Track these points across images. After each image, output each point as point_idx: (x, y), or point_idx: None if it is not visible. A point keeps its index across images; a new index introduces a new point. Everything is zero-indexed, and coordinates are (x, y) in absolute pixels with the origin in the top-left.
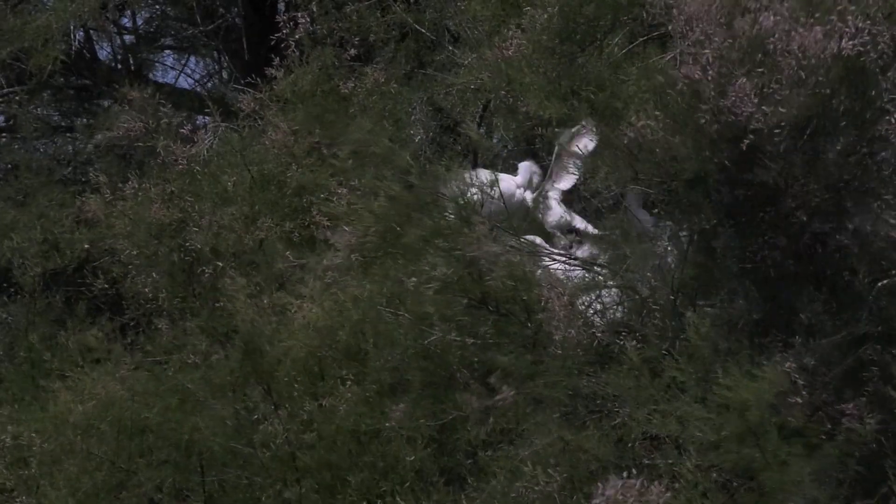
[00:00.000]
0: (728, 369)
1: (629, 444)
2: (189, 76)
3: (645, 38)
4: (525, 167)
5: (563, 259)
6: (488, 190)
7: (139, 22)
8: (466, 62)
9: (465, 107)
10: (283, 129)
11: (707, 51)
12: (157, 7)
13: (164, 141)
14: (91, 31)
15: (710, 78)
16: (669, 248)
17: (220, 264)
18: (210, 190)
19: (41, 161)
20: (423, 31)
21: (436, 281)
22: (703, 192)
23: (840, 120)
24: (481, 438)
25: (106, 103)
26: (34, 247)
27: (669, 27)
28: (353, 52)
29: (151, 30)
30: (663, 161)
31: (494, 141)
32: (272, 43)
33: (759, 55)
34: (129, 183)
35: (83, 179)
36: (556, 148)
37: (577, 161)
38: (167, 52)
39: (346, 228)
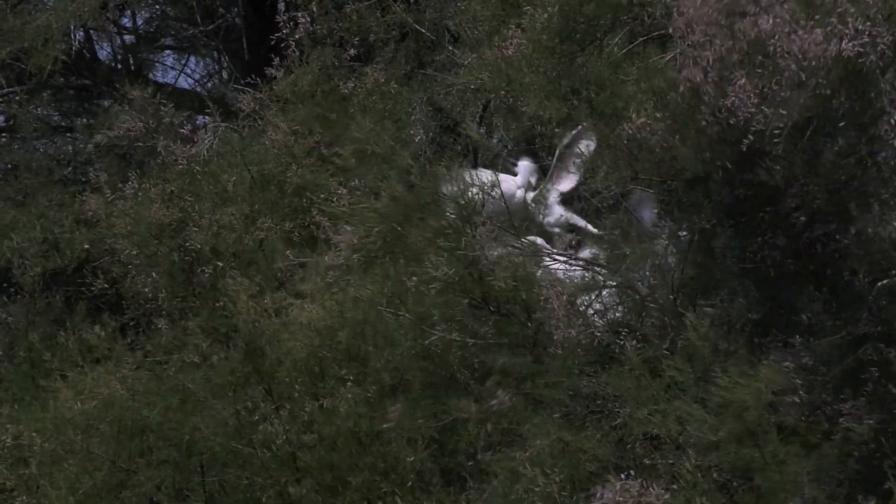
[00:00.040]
0: (726, 369)
1: (629, 445)
2: (189, 76)
3: (645, 38)
4: (525, 167)
5: (565, 259)
6: (489, 190)
7: (139, 22)
8: (466, 62)
9: (465, 107)
10: (283, 129)
11: (708, 53)
12: (157, 7)
13: (164, 141)
14: (91, 31)
15: (710, 80)
16: (669, 248)
17: (220, 264)
18: (210, 190)
19: (41, 161)
20: (423, 31)
21: (437, 281)
22: (703, 192)
23: (840, 121)
24: (482, 440)
25: (106, 103)
26: (34, 247)
27: (670, 29)
28: (353, 52)
29: (151, 30)
30: (663, 161)
31: (494, 141)
32: (272, 43)
33: (760, 57)
34: (129, 183)
35: (83, 179)
36: (557, 150)
37: (578, 161)
38: (167, 52)
39: (349, 228)
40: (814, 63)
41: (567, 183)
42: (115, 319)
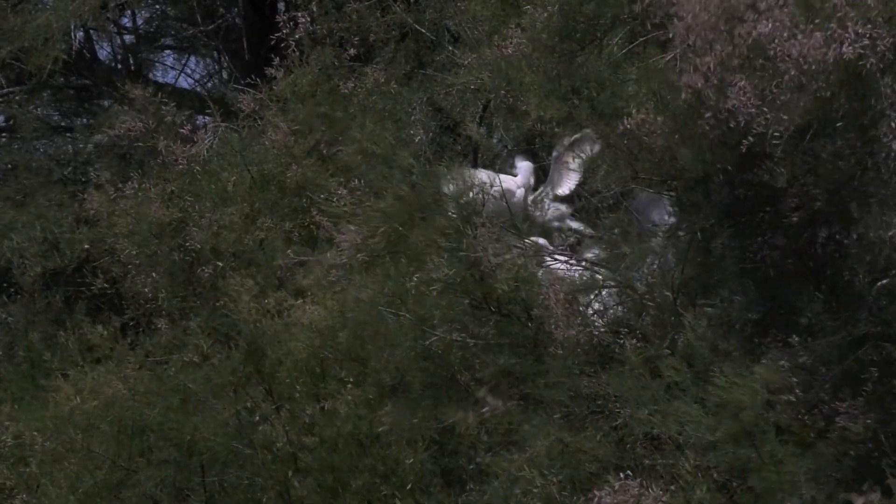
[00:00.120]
0: (723, 369)
1: (628, 446)
2: (189, 76)
3: (645, 38)
4: (525, 168)
5: (566, 259)
6: (489, 190)
7: (139, 22)
8: (466, 62)
9: (465, 107)
10: (283, 129)
11: (709, 59)
12: (157, 7)
13: (164, 141)
14: (91, 31)
15: (711, 84)
16: (669, 247)
17: (220, 264)
18: (210, 190)
19: (41, 161)
20: (423, 31)
21: (438, 282)
22: (703, 192)
23: (839, 122)
24: (482, 443)
25: (106, 103)
26: (34, 247)
27: (670, 34)
28: (353, 52)
29: (151, 30)
30: (663, 161)
31: (494, 141)
32: (272, 43)
33: (760, 60)
34: (130, 183)
35: (83, 179)
36: (555, 151)
37: (578, 162)
38: (167, 52)
39: (352, 227)
40: (814, 67)
41: (566, 184)
42: (116, 319)
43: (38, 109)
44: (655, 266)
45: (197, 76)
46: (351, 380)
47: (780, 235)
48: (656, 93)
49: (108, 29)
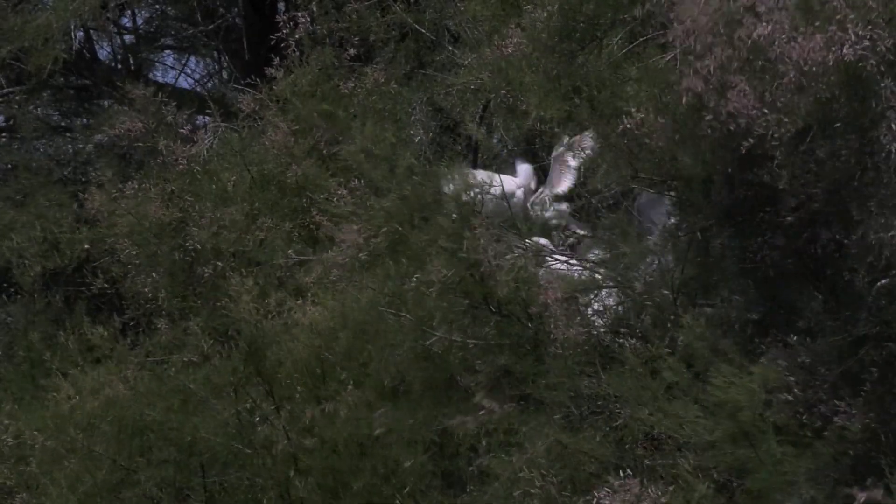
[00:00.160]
0: (720, 369)
1: (628, 446)
2: (189, 76)
3: (645, 38)
4: (524, 169)
5: (566, 259)
6: (489, 190)
7: (139, 22)
8: (466, 62)
9: (465, 107)
10: (283, 129)
11: (709, 62)
12: (157, 7)
13: (164, 141)
14: (91, 31)
15: (711, 87)
16: (668, 247)
17: (221, 264)
18: (210, 189)
19: (41, 161)
20: (423, 31)
21: (438, 283)
22: (703, 192)
23: (839, 124)
24: (482, 445)
25: (106, 103)
26: (34, 247)
27: (670, 38)
28: (353, 52)
29: (151, 30)
30: (663, 161)
31: (494, 141)
32: (272, 43)
33: (760, 62)
34: (130, 183)
35: (83, 179)
36: (554, 152)
37: (577, 162)
38: (167, 52)
39: (354, 227)
40: (814, 69)
41: (565, 182)
42: (116, 319)
43: (38, 109)
44: (655, 266)
45: (197, 76)
46: (351, 381)
47: (779, 236)
48: (656, 95)
49: (108, 29)
